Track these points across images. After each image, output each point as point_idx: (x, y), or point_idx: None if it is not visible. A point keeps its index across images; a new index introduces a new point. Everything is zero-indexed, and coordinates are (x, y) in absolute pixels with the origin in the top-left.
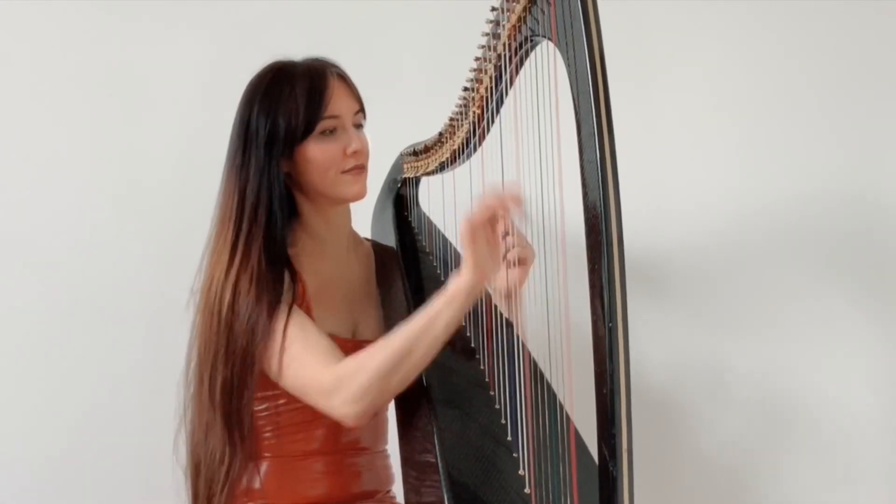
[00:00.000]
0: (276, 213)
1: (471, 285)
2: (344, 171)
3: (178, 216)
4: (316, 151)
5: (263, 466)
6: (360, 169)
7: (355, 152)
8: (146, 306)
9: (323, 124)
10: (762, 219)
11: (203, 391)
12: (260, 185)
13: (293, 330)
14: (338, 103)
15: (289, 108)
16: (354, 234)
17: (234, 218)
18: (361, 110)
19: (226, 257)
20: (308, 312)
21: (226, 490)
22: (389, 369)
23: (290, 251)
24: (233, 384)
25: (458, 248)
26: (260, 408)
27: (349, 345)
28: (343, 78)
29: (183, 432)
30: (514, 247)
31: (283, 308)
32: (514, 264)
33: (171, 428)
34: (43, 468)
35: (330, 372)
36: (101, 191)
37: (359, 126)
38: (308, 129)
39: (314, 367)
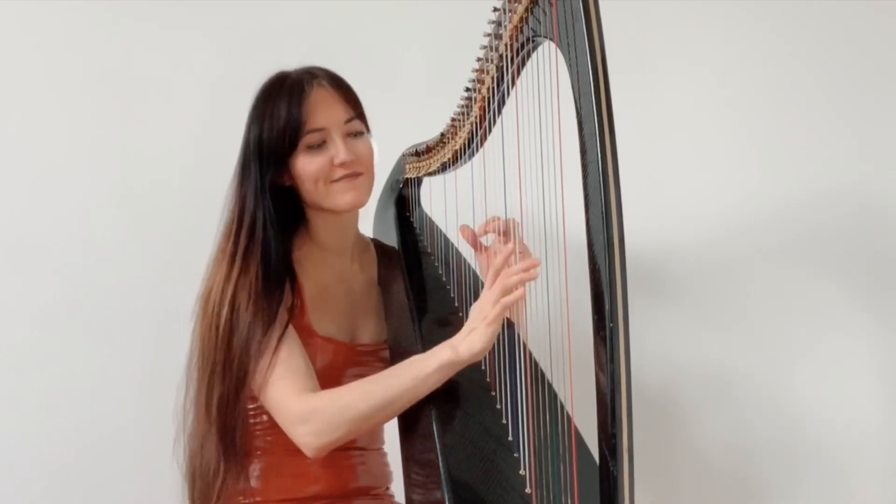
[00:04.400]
0: (271, 229)
1: (468, 359)
2: (333, 181)
3: (183, 220)
4: (303, 165)
5: (260, 463)
6: (353, 176)
7: (343, 163)
8: (149, 309)
9: (307, 139)
10: (763, 220)
11: (200, 403)
12: (257, 200)
13: (283, 351)
14: (321, 116)
15: (271, 125)
16: (362, 241)
17: (233, 232)
18: (356, 118)
19: (224, 271)
20: (305, 314)
21: (221, 501)
22: (364, 417)
23: (295, 254)
24: (229, 399)
25: (459, 249)
26: (256, 405)
27: (345, 348)
28: (331, 87)
29: (182, 438)
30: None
31: (278, 328)
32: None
33: (171, 432)
34: (42, 471)
35: (302, 401)
36: (106, 194)
37: (355, 134)
38: (292, 146)
39: (289, 392)
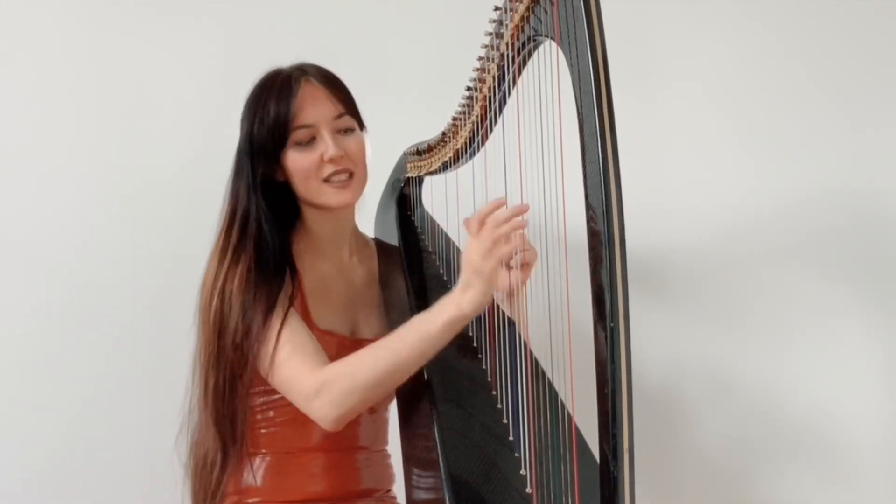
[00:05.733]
0: (265, 223)
1: (473, 313)
2: (325, 180)
3: (183, 217)
4: (293, 162)
5: (263, 462)
6: (347, 177)
7: (332, 159)
8: (150, 307)
9: (295, 136)
10: (764, 220)
11: (199, 395)
12: (248, 195)
13: (286, 332)
14: (309, 112)
15: (261, 121)
16: (360, 236)
17: (226, 226)
18: (347, 114)
19: (216, 265)
20: (304, 307)
21: (218, 493)
22: (376, 382)
23: (294, 247)
24: (224, 389)
25: (460, 248)
26: (257, 402)
27: (347, 342)
28: (320, 83)
29: (185, 432)
30: (518, 251)
31: (279, 311)
32: (518, 267)
33: (173, 427)
34: (44, 468)
35: (314, 375)
36: (107, 192)
37: (345, 130)
38: (281, 142)
39: (300, 369)
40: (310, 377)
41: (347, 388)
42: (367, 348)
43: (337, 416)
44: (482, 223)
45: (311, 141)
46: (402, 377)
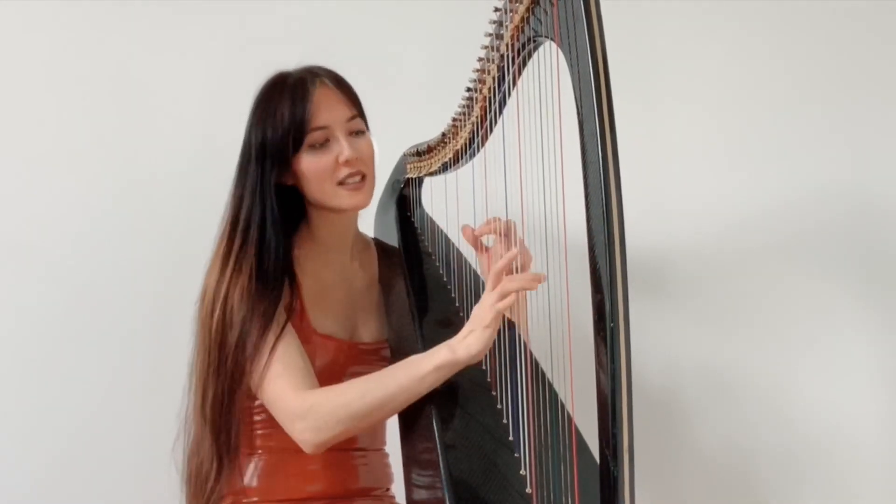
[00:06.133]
0: (269, 229)
1: (466, 360)
2: (340, 183)
3: (183, 218)
4: (308, 165)
5: (260, 462)
6: (360, 179)
7: (348, 161)
8: (149, 308)
9: (310, 138)
10: (764, 220)
11: (196, 403)
12: (253, 201)
13: (280, 349)
14: (324, 114)
15: (275, 124)
16: (362, 239)
17: (227, 232)
18: (358, 116)
19: (218, 272)
20: (303, 312)
21: (213, 501)
22: (363, 414)
23: (295, 252)
24: (224, 400)
25: (460, 249)
26: (255, 403)
27: (345, 346)
28: (333, 85)
29: (182, 439)
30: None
31: (275, 328)
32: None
33: (171, 432)
34: (42, 471)
35: (302, 397)
36: (106, 192)
37: (357, 133)
38: (296, 145)
39: (287, 389)
40: (297, 398)
41: (333, 416)
42: (359, 380)
43: (319, 442)
44: (499, 277)
45: (325, 143)
46: (390, 412)
